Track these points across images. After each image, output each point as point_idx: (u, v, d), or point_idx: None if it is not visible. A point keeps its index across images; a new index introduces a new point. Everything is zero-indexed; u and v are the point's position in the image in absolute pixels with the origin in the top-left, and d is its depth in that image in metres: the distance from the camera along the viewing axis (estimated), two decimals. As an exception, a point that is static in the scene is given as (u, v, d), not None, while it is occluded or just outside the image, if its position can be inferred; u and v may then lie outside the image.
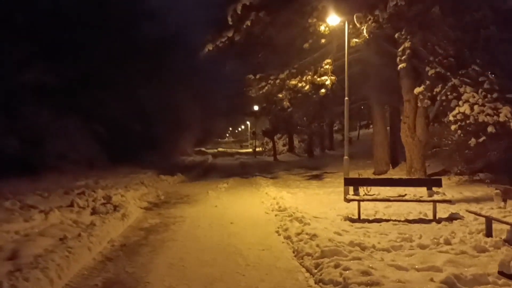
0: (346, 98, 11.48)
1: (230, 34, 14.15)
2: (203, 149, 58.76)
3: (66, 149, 21.61)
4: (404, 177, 13.96)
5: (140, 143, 28.29)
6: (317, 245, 6.06)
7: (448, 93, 12.94)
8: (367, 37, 11.47)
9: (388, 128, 20.42)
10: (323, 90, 13.77)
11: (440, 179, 9.73)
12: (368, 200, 9.28)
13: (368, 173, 18.68)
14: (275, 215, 9.62)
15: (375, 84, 17.26)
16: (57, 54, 23.76)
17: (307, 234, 6.87)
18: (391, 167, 18.86)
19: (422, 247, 6.36)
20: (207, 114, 53.06)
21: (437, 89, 13.04)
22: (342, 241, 6.39)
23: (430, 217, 9.01)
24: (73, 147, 21.97)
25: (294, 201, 11.39)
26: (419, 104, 14.41)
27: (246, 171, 25.08)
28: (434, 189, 9.37)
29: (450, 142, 14.80)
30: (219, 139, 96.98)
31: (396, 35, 11.53)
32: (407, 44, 11.14)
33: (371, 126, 26.04)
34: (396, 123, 19.88)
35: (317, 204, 11.29)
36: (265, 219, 9.38)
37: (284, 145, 44.45)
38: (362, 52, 15.61)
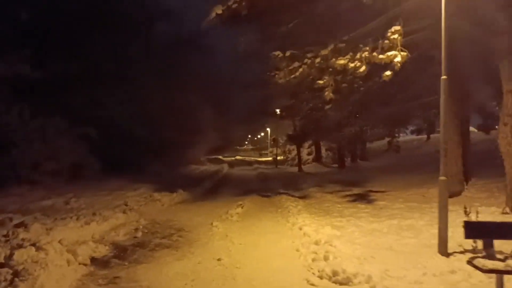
0: (444, 76, 6.71)
1: (248, -7, 9.54)
2: (220, 157, 55.06)
3: (42, 156, 17.39)
4: None
5: (143, 150, 24.28)
6: None
7: None
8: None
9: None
10: (388, 73, 9.00)
11: None
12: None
13: (432, 194, 13.75)
14: (330, 294, 4.89)
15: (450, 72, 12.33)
16: (45, 45, 20.03)
17: None
18: (465, 186, 13.84)
19: None
20: (225, 121, 49.24)
21: None
22: None
23: None
24: (52, 154, 17.69)
25: (352, 252, 6.64)
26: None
27: (266, 185, 20.36)
28: None
29: None
30: (238, 147, 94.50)
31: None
32: None
33: (423, 133, 20.86)
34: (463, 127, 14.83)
35: (393, 258, 6.50)
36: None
37: (308, 153, 39.24)
38: (429, 30, 10.81)
